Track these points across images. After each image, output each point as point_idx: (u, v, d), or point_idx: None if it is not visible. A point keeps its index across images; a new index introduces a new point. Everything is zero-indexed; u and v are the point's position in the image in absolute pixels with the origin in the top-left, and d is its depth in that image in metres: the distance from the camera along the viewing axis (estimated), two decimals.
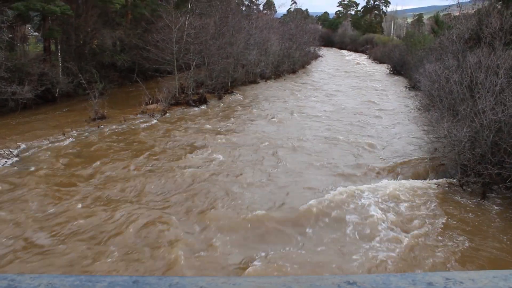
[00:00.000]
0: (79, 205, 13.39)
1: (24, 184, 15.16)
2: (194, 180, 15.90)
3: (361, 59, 79.18)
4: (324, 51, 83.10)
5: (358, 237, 12.12)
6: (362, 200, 14.38)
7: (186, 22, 33.52)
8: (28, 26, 35.12)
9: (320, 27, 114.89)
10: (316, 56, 74.28)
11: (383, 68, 61.42)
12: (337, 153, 20.32)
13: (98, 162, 17.59)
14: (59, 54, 30.94)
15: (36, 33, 36.36)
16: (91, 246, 10.96)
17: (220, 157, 18.79)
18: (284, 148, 20.51)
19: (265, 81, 44.44)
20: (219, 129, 24.15)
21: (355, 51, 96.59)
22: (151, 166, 17.37)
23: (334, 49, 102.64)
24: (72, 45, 32.88)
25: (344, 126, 26.17)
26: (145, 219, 12.42)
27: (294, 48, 56.37)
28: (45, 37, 32.68)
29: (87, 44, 33.91)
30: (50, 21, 30.75)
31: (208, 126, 24.75)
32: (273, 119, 27.17)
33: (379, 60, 71.18)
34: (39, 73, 28.03)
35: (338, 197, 14.35)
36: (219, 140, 21.55)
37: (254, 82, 42.51)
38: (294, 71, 54.21)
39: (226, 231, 12.08)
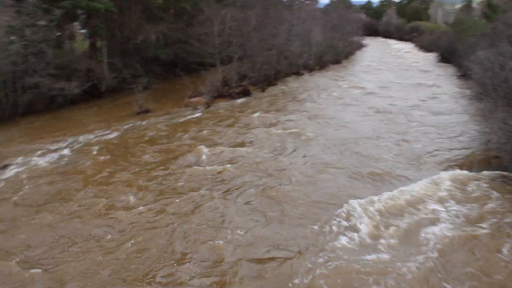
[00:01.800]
0: (131, 197, 13.47)
1: (71, 176, 15.43)
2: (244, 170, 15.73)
3: (407, 48, 76.80)
4: (368, 41, 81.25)
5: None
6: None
7: (228, 15, 33.38)
8: (76, 24, 35.87)
9: (364, 16, 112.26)
10: (360, 46, 72.67)
11: (430, 57, 59.32)
12: (387, 145, 19.62)
13: (142, 155, 17.73)
14: (105, 50, 31.44)
15: (83, 31, 37.11)
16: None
17: (265, 149, 18.53)
18: (337, 144, 19.92)
19: (309, 72, 43.75)
20: (261, 121, 23.87)
21: (401, 39, 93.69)
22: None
23: (378, 38, 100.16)
24: (116, 41, 33.38)
25: (392, 116, 25.32)
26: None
27: (338, 39, 55.34)
28: (91, 34, 33.36)
29: (131, 40, 34.33)
30: (95, 19, 31.27)
31: (251, 118, 24.51)
32: (318, 112, 26.62)
33: (426, 48, 68.79)
34: (86, 69, 28.65)
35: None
36: (262, 132, 21.28)
37: (298, 73, 41.90)
38: (338, 62, 53.16)
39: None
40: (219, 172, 15.62)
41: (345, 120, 24.15)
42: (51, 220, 12.13)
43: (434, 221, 12.02)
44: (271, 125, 22.71)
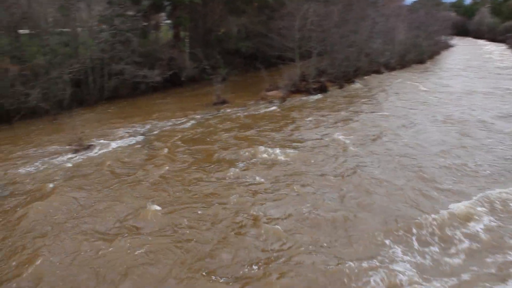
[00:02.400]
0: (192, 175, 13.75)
1: (145, 160, 16.05)
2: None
3: (499, 50, 71.99)
4: (456, 41, 77.37)
5: None
6: None
7: (310, 10, 33.09)
8: (162, 14, 37.18)
9: (454, 14, 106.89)
10: (446, 46, 69.42)
11: None
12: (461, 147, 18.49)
13: (215, 145, 18.04)
14: (187, 40, 32.37)
15: (168, 21, 38.41)
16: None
17: (340, 143, 18.18)
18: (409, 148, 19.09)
19: (389, 71, 42.38)
20: (337, 118, 23.44)
21: (493, 40, 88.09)
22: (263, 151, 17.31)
23: (468, 38, 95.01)
24: (199, 32, 34.25)
25: (474, 121, 23.79)
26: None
27: (423, 37, 53.16)
28: (174, 25, 34.47)
29: (213, 31, 35.06)
30: (180, 10, 32.25)
31: (327, 114, 24.14)
32: (396, 113, 25.62)
33: None
34: (168, 58, 29.73)
35: None
36: (337, 128, 20.90)
37: (378, 72, 40.73)
38: (421, 61, 51.04)
39: None
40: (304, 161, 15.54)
41: (418, 128, 21.62)
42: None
43: None
44: (344, 123, 22.25)
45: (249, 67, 37.23)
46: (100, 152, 17.02)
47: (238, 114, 23.81)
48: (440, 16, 69.75)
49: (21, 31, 24.94)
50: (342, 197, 13.04)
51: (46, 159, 16.23)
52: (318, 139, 19.20)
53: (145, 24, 30.78)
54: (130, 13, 27.63)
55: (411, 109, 26.31)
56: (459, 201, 12.64)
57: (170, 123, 21.44)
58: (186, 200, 12.70)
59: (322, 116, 23.78)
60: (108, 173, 14.93)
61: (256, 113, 24.31)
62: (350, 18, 37.54)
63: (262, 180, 14.23)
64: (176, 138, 18.98)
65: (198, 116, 22.96)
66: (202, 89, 29.02)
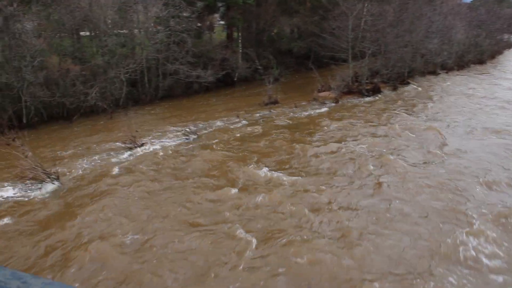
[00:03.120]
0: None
1: (196, 158, 16.36)
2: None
3: None
4: None
5: None
6: None
7: (364, 9, 32.56)
8: (216, 15, 37.68)
9: None
10: (510, 45, 66.34)
11: None
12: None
13: (263, 142, 18.15)
14: (240, 41, 32.68)
15: (221, 22, 38.88)
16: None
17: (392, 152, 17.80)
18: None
19: (446, 72, 41.00)
20: (391, 121, 22.93)
21: None
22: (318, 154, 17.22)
23: None
24: (252, 32, 34.48)
25: None
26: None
27: (483, 36, 51.06)
28: (228, 26, 34.87)
29: (265, 32, 35.19)
30: (233, 11, 32.58)
31: (378, 116, 23.69)
32: (453, 114, 24.83)
33: None
34: (221, 58, 30.10)
35: None
36: (391, 131, 20.47)
37: (434, 73, 39.54)
38: (481, 62, 49.07)
39: None
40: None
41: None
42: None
43: None
44: (394, 124, 21.73)
45: (301, 68, 37.10)
46: (153, 149, 17.50)
47: (290, 114, 23.78)
48: (503, 13, 66.69)
49: (82, 33, 26.05)
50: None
51: (103, 155, 16.87)
52: (369, 137, 18.91)
53: (199, 25, 31.30)
54: (185, 14, 28.18)
55: (465, 115, 25.26)
56: None
57: (222, 123, 21.73)
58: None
59: (375, 118, 23.33)
60: (160, 169, 15.35)
61: (307, 114, 24.20)
62: (406, 17, 36.60)
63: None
64: (228, 137, 19.23)
65: (250, 116, 23.12)
66: (254, 89, 29.21)
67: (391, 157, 16.57)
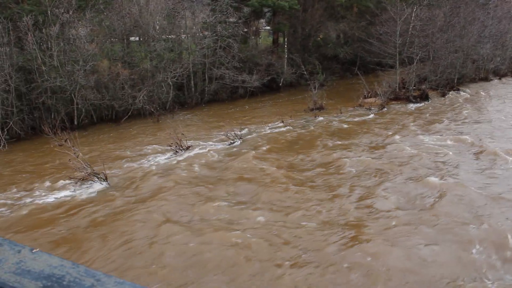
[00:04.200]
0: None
1: (240, 162, 16.44)
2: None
3: None
4: None
5: None
6: None
7: (412, 14, 31.93)
8: (262, 21, 37.91)
9: None
10: None
11: None
12: None
13: (307, 151, 17.99)
14: (286, 46, 32.71)
15: (267, 27, 39.07)
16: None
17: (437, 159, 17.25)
18: None
19: (499, 78, 39.57)
20: (438, 127, 22.25)
21: None
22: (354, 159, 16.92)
23: None
24: (297, 37, 34.45)
25: None
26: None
27: None
28: (274, 31, 34.98)
29: (311, 37, 35.09)
30: (279, 16, 32.67)
31: (424, 124, 23.05)
32: (505, 123, 23.83)
33: None
34: (266, 63, 30.20)
35: None
36: (436, 139, 19.84)
37: (485, 79, 38.25)
38: None
39: None
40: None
41: None
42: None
43: None
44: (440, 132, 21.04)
45: (346, 73, 36.78)
46: (198, 153, 17.68)
47: (335, 120, 23.54)
48: None
49: (132, 39, 26.77)
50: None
51: (150, 157, 17.21)
52: (411, 147, 18.40)
53: (245, 30, 31.59)
54: (232, 20, 28.53)
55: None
56: None
57: (267, 128, 21.76)
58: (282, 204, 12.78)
59: (422, 126, 22.70)
60: (205, 172, 15.50)
61: (352, 119, 23.89)
62: (457, 21, 35.61)
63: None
64: (273, 142, 19.20)
65: (295, 122, 23.04)
66: (299, 95, 29.10)
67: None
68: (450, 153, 17.48)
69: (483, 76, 38.30)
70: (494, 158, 16.96)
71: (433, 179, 14.31)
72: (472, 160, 16.93)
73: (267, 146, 18.59)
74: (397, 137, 20.32)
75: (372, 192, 13.62)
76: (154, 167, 16.11)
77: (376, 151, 18.15)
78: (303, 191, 13.77)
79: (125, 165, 16.37)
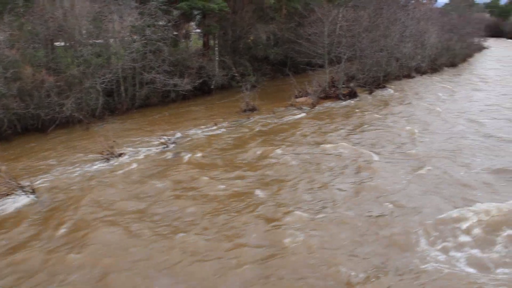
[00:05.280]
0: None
1: (174, 167, 16.30)
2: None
3: None
4: (491, 42, 75.62)
5: None
6: None
7: (339, 15, 32.95)
8: (192, 23, 37.61)
9: (488, 15, 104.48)
10: (480, 48, 68.00)
11: None
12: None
13: (242, 149, 18.25)
14: (216, 48, 32.68)
15: (198, 30, 38.82)
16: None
17: (367, 151, 18.04)
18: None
19: (421, 75, 41.78)
20: (365, 122, 23.32)
21: None
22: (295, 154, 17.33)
23: (503, 39, 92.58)
24: (228, 40, 34.49)
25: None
26: None
27: (455, 40, 52.18)
28: (204, 33, 34.84)
29: (242, 39, 35.28)
30: (209, 18, 32.56)
31: (355, 120, 24.07)
32: (426, 115, 25.42)
33: None
34: (198, 66, 30.04)
35: None
36: (364, 133, 20.80)
37: (409, 76, 40.21)
38: (454, 65, 50.16)
39: None
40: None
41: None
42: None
43: None
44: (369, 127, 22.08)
45: (277, 74, 37.30)
46: (130, 160, 17.32)
47: (268, 121, 23.88)
48: (473, 18, 68.36)
49: (56, 44, 25.72)
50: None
51: (79, 167, 16.64)
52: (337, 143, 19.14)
53: (175, 33, 31.20)
54: (161, 23, 28.06)
55: (440, 116, 25.96)
56: None
57: (200, 131, 21.68)
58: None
59: (350, 122, 23.74)
60: (137, 179, 15.24)
61: (286, 120, 24.35)
62: (380, 22, 37.15)
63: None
64: (206, 145, 19.18)
65: (228, 124, 23.12)
66: (231, 97, 29.17)
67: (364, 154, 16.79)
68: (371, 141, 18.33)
69: (406, 73, 40.18)
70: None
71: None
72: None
73: (201, 149, 18.55)
74: (333, 134, 21.07)
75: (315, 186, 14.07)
76: (84, 177, 15.62)
77: (311, 148, 18.67)
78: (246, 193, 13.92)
79: (54, 176, 15.72)
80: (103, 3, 26.24)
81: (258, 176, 15.48)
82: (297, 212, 12.45)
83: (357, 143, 19.29)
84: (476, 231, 11.49)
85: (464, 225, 11.69)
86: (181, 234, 11.34)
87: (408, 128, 22.04)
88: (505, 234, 11.37)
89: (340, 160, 17.02)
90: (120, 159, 17.34)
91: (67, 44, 25.84)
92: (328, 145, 18.94)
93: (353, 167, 16.33)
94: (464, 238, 11.17)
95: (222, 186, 14.44)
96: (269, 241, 11.04)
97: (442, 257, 10.45)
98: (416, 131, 21.21)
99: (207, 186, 14.46)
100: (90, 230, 11.58)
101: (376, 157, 17.36)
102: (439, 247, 10.84)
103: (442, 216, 12.21)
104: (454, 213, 12.30)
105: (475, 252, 10.65)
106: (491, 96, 31.96)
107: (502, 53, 66.89)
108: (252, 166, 16.54)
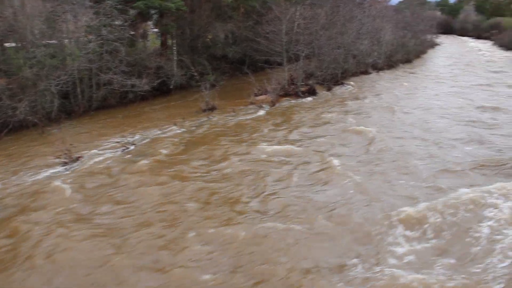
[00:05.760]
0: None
1: (135, 170, 16.04)
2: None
3: (484, 46, 73.13)
4: (442, 39, 78.19)
5: None
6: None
7: (297, 13, 33.25)
8: (149, 23, 37.11)
9: (439, 13, 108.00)
10: (433, 44, 70.18)
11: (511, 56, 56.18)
12: (457, 143, 18.81)
13: (204, 150, 18.15)
14: (174, 48, 32.36)
15: (155, 30, 38.33)
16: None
17: (323, 147, 18.33)
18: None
19: (377, 71, 42.70)
20: (325, 120, 23.70)
21: (478, 37, 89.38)
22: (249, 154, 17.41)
23: (453, 36, 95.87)
24: (186, 39, 34.24)
25: (456, 119, 24.27)
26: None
27: (409, 37, 53.66)
28: (162, 33, 34.45)
29: (200, 38, 35.09)
30: (166, 18, 32.21)
31: (314, 117, 24.46)
32: (383, 111, 26.13)
33: (506, 46, 65.17)
34: (156, 66, 29.66)
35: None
36: (323, 131, 21.15)
37: (366, 72, 41.04)
38: (409, 61, 51.59)
39: None
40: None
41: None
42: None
43: None
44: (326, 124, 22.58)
45: (237, 72, 37.26)
46: (89, 163, 16.93)
47: (227, 119, 23.88)
48: (426, 15, 70.48)
49: (7, 44, 24.82)
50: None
51: (34, 172, 16.13)
52: (303, 140, 19.40)
53: (132, 33, 30.66)
54: (117, 22, 27.51)
55: (400, 109, 26.76)
56: None
57: (160, 132, 21.42)
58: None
59: (309, 119, 24.12)
60: (97, 183, 14.93)
61: (245, 118, 24.41)
62: (337, 20, 37.75)
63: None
64: (166, 146, 18.96)
65: (188, 123, 22.95)
66: (191, 96, 28.94)
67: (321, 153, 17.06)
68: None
69: (363, 70, 40.99)
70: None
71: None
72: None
73: (160, 150, 18.34)
74: (289, 133, 21.27)
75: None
76: (40, 183, 15.16)
77: (273, 145, 18.81)
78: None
79: (6, 183, 15.16)
80: (56, 2, 25.51)
81: (212, 177, 15.43)
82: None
83: (311, 143, 19.47)
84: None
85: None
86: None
87: (361, 127, 22.27)
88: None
89: (294, 161, 17.19)
90: (78, 162, 16.92)
91: (19, 44, 24.99)
92: (280, 147, 18.97)
93: (306, 167, 16.48)
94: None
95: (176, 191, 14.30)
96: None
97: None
98: (371, 129, 21.38)
99: (157, 192, 14.20)
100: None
101: (332, 158, 17.31)
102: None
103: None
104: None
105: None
106: (443, 92, 32.98)
107: (453, 50, 69.21)
108: (208, 168, 16.44)
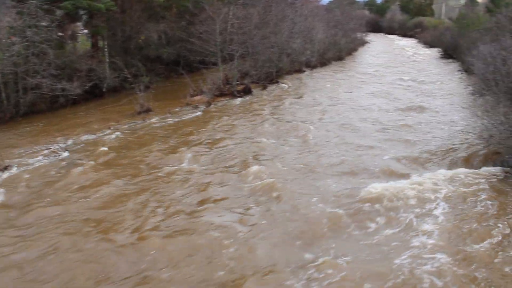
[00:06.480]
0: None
1: (70, 176, 15.53)
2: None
3: (410, 43, 76.92)
4: (372, 37, 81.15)
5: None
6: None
7: (230, 13, 33.35)
8: (79, 24, 35.87)
9: (367, 12, 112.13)
10: (363, 42, 72.59)
11: (434, 52, 59.30)
12: (379, 141, 19.70)
13: (140, 153, 17.92)
14: (106, 49, 31.49)
15: (85, 31, 37.12)
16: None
17: (264, 139, 18.62)
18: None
19: (311, 69, 43.66)
20: (260, 118, 24.06)
21: (404, 35, 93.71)
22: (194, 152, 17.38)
23: (381, 34, 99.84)
24: (118, 40, 33.40)
25: (389, 113, 25.40)
26: None
27: (340, 35, 55.24)
28: (92, 34, 33.42)
29: (132, 39, 34.34)
30: (96, 18, 31.28)
31: (250, 115, 24.74)
32: (317, 108, 26.87)
33: (429, 44, 68.72)
34: (87, 69, 28.66)
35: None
36: (256, 129, 21.55)
37: (300, 71, 41.84)
38: (341, 58, 53.12)
39: None
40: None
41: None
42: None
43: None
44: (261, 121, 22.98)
45: (171, 73, 36.82)
46: (18, 172, 16.16)
47: (163, 121, 23.62)
48: (355, 14, 72.89)
49: None
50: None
51: None
52: (240, 139, 19.60)
53: (60, 34, 29.49)
54: (44, 23, 26.36)
55: (334, 103, 27.79)
56: None
57: (94, 136, 20.78)
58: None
59: (245, 118, 24.43)
60: (28, 193, 14.31)
61: (181, 119, 24.25)
62: (270, 19, 38.26)
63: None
64: (101, 150, 18.43)
65: (123, 127, 22.45)
66: (125, 99, 28.17)
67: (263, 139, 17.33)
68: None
69: (297, 68, 41.76)
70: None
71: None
72: None
73: (95, 155, 17.85)
74: (224, 126, 21.40)
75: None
76: None
77: (212, 146, 18.84)
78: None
79: None
80: None
81: (146, 184, 15.22)
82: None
83: (248, 142, 19.72)
84: None
85: None
86: None
87: (299, 123, 22.92)
88: None
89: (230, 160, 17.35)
90: (6, 172, 16.10)
91: None
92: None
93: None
94: None
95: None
96: None
97: None
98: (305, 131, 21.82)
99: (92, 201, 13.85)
100: None
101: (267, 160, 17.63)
102: None
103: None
104: None
105: None
106: (372, 90, 34.23)
107: (381, 48, 72.00)
108: (143, 172, 16.20)
